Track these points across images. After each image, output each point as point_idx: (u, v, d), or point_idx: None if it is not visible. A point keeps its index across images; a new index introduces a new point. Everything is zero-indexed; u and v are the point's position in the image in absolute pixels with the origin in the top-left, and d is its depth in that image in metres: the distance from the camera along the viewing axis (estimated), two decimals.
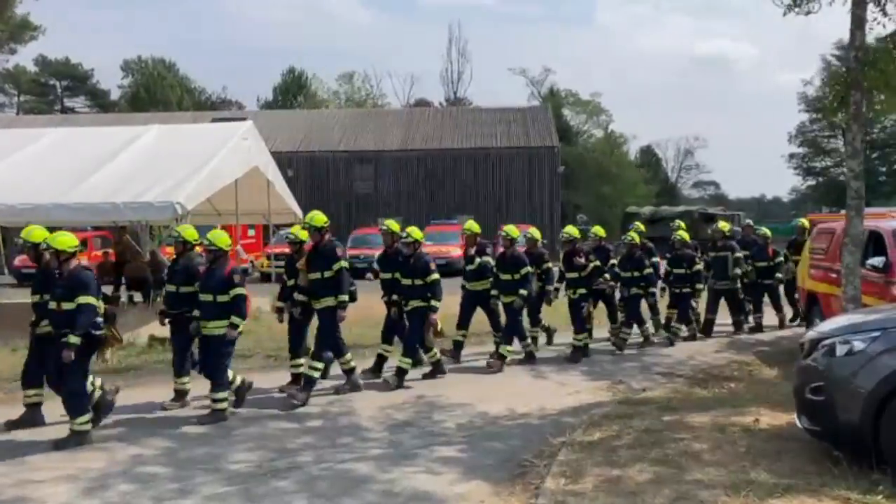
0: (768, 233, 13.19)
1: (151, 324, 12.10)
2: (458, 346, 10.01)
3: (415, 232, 8.92)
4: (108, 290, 16.72)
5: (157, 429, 6.91)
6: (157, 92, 59.03)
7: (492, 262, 10.02)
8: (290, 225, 19.47)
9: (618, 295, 11.39)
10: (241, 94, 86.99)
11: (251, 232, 26.59)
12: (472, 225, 10.20)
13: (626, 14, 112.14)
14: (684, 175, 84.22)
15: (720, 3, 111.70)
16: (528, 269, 9.74)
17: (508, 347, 9.71)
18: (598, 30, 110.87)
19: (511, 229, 9.97)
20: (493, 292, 9.87)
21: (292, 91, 61.34)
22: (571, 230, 10.76)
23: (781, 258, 12.65)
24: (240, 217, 16.43)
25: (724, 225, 13.12)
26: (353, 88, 63.98)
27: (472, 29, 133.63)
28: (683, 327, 11.86)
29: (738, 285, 12.11)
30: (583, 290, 10.42)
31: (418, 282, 8.69)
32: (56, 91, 66.36)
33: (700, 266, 11.82)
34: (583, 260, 9.88)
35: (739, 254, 12.11)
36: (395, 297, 9.11)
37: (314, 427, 7.02)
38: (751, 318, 12.57)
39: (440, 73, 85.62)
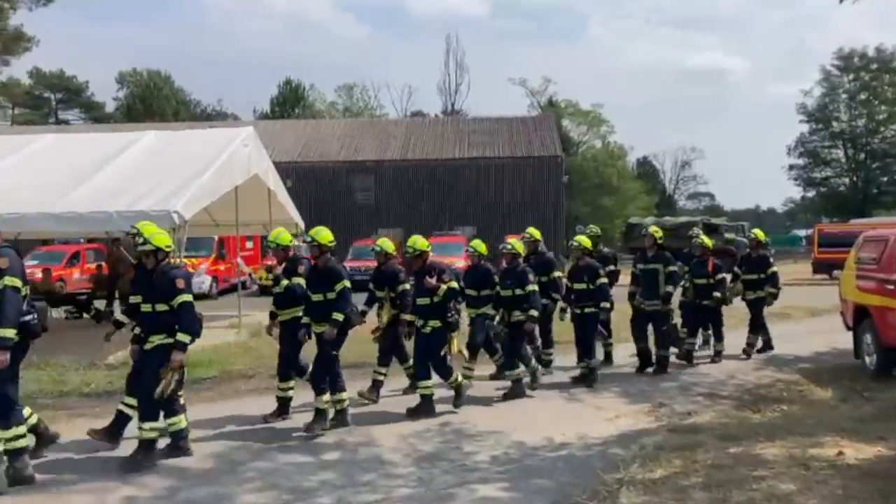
0: (761, 235, 11.66)
1: None
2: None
3: (419, 242, 7.99)
4: (101, 304, 15.98)
5: (154, 463, 6.07)
6: (152, 104, 58.32)
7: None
8: (295, 236, 18.84)
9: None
10: (237, 106, 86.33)
11: (249, 244, 25.80)
12: (479, 245, 8.93)
13: (616, 28, 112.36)
14: (681, 186, 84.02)
15: (708, 16, 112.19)
16: (534, 286, 8.47)
17: (517, 371, 8.54)
18: (589, 43, 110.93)
19: (514, 242, 8.89)
20: (490, 312, 8.69)
21: (290, 103, 60.68)
22: (515, 244, 8.92)
23: (724, 275, 10.72)
24: (239, 228, 15.66)
25: (704, 239, 11.17)
26: (351, 100, 63.42)
27: (467, 42, 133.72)
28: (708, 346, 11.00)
29: (669, 306, 9.91)
30: (593, 307, 9.11)
31: (435, 299, 7.73)
32: (50, 104, 65.57)
33: (724, 275, 10.74)
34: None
35: (674, 267, 9.93)
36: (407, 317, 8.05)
37: (331, 461, 6.22)
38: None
39: (437, 84, 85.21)
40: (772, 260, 11.31)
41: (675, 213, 60.92)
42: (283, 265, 7.80)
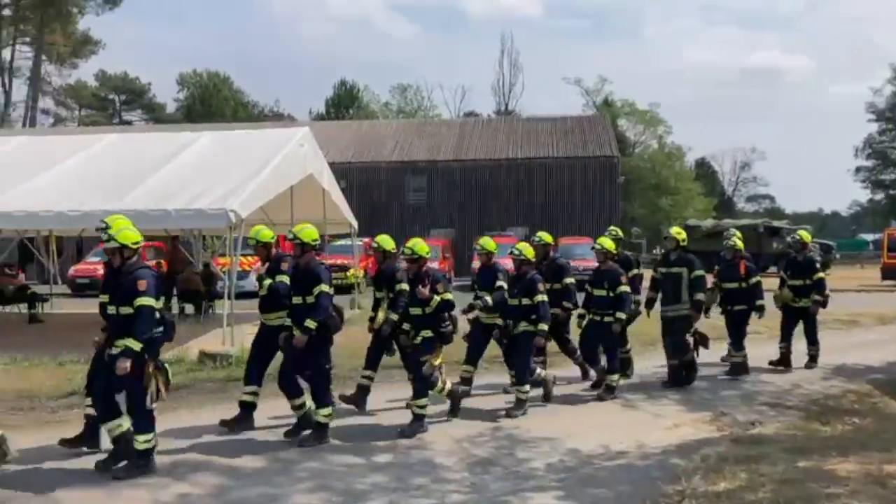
0: (807, 237, 10.79)
1: (202, 338, 11.50)
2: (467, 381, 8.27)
3: (418, 246, 7.31)
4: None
5: (207, 460, 6.08)
6: (211, 104, 59.65)
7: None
8: (346, 235, 18.94)
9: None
10: (293, 107, 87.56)
11: None
12: (488, 242, 8.26)
13: (673, 26, 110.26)
14: (741, 188, 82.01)
15: (768, 14, 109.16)
16: (544, 296, 7.77)
17: (525, 388, 7.77)
18: (645, 42, 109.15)
19: (523, 247, 8.14)
20: (499, 321, 8.00)
21: (344, 103, 61.28)
22: (487, 242, 8.28)
23: (758, 278, 9.86)
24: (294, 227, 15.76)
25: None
26: (405, 100, 63.66)
27: (522, 41, 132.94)
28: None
29: (700, 314, 9.13)
30: (612, 315, 8.45)
31: (427, 309, 7.06)
32: (115, 105, 67.66)
33: (757, 279, 9.84)
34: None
35: (699, 271, 9.06)
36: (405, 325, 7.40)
37: (383, 463, 6.13)
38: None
39: (491, 84, 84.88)
40: (818, 265, 10.60)
41: (734, 216, 59.49)
42: (267, 264, 7.23)
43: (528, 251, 8.06)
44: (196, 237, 17.66)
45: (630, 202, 52.73)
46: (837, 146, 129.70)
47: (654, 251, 56.15)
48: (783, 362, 10.22)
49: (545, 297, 7.77)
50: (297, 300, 6.66)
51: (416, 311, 7.15)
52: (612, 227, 10.13)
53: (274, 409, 7.33)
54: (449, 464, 6.10)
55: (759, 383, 9.36)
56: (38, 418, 7.63)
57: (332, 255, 19.39)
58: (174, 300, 15.55)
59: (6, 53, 53.78)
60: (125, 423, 5.74)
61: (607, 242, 8.83)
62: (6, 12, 51.06)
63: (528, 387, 7.76)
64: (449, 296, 7.13)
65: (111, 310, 5.72)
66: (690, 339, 9.09)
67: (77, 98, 63.02)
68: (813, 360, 10.47)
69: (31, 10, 51.40)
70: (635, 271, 9.62)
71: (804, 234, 10.82)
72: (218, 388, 8.90)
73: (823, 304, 10.40)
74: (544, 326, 7.72)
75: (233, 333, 10.48)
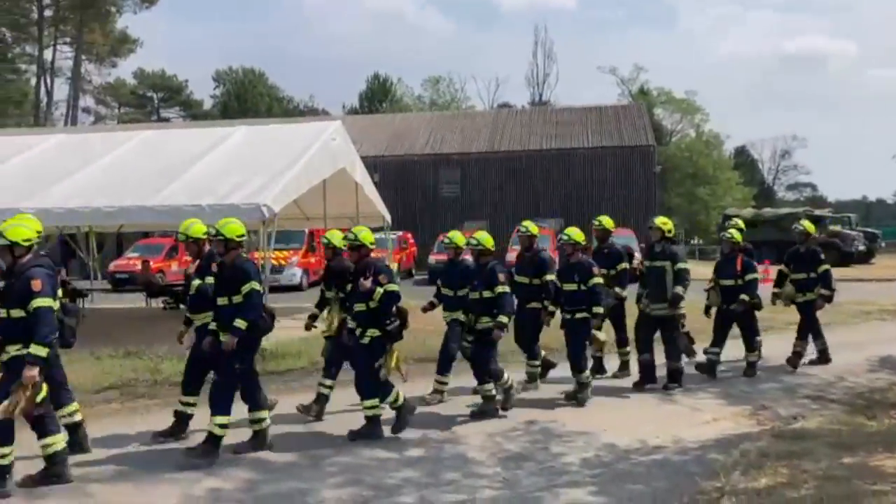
0: (810, 227, 9.86)
1: None
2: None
3: (363, 233, 6.73)
4: None
5: (237, 454, 6.08)
6: (246, 100, 60.25)
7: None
8: (380, 229, 18.95)
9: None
10: (327, 102, 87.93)
11: None
12: (456, 236, 7.86)
13: (711, 13, 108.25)
14: (781, 177, 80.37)
15: None
16: (505, 287, 7.19)
17: (488, 387, 7.28)
18: (682, 31, 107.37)
19: (481, 236, 7.47)
20: (462, 318, 7.50)
21: (377, 97, 61.38)
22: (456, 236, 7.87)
23: (755, 275, 9.00)
24: (327, 221, 15.81)
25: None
26: (437, 93, 63.53)
27: (556, 32, 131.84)
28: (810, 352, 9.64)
29: (678, 310, 8.30)
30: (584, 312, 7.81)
31: (372, 304, 6.48)
32: (153, 102, 68.65)
33: (754, 275, 8.98)
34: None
35: (683, 264, 8.42)
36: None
37: (415, 457, 6.07)
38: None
39: (525, 75, 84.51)
40: (822, 256, 9.67)
41: (775, 205, 58.26)
42: (198, 262, 6.70)
43: (487, 241, 7.45)
44: None
45: (667, 192, 51.90)
46: (881, 132, 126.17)
47: (692, 241, 55.42)
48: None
49: (506, 288, 7.22)
50: (221, 301, 6.11)
51: (360, 307, 6.53)
52: (599, 217, 9.25)
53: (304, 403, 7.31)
54: (481, 458, 6.02)
55: (802, 376, 9.08)
56: None
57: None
58: None
59: (48, 54, 54.99)
60: (60, 441, 5.46)
61: (576, 234, 7.92)
62: (47, 13, 52.07)
63: (489, 385, 7.24)
64: (394, 287, 6.48)
65: (1, 313, 5.26)
66: (684, 339, 8.47)
67: (116, 96, 64.10)
68: (822, 355, 9.67)
69: (70, 11, 52.34)
70: (624, 265, 8.87)
71: (807, 224, 9.96)
72: None
73: (829, 299, 9.53)
74: (503, 319, 7.09)
75: None
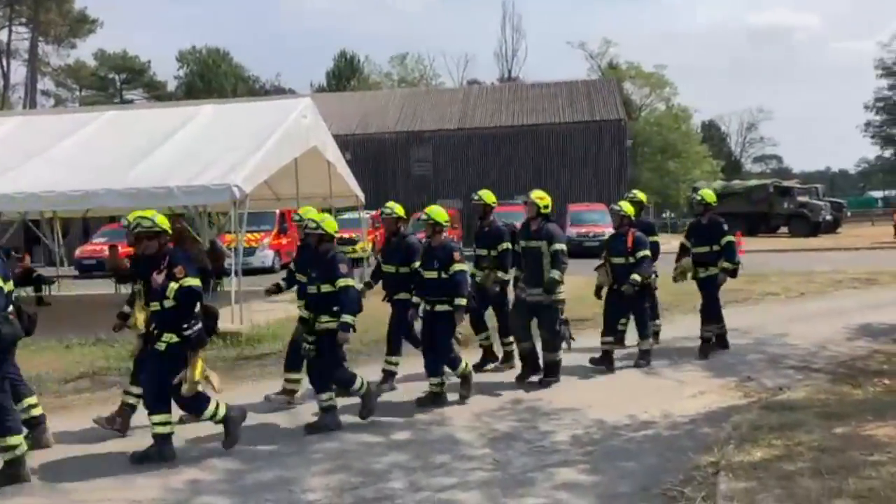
0: (710, 196, 8.84)
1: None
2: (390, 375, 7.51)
3: (159, 217, 5.76)
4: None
5: (219, 444, 5.83)
6: (211, 81, 59.03)
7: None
8: (353, 208, 18.65)
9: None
10: (294, 82, 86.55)
11: None
12: (395, 206, 7.47)
13: None
14: (748, 149, 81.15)
15: None
16: (462, 266, 6.80)
17: (438, 379, 6.86)
18: (649, 4, 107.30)
19: (433, 210, 6.98)
20: (415, 300, 7.01)
21: (345, 75, 60.54)
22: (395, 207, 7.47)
23: (646, 252, 8.01)
24: (300, 201, 15.49)
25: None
26: (406, 70, 62.82)
27: (524, 5, 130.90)
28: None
29: (555, 296, 7.35)
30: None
31: (167, 303, 5.50)
32: (115, 84, 66.95)
33: (645, 252, 8.01)
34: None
35: (560, 245, 7.37)
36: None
37: (402, 441, 5.92)
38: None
39: (494, 51, 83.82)
40: (726, 227, 8.63)
41: (742, 177, 58.81)
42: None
43: (440, 216, 6.91)
44: (201, 214, 17.39)
45: (637, 166, 52.07)
46: (844, 104, 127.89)
47: (663, 216, 55.77)
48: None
49: (463, 266, 6.82)
50: (154, 307, 5.51)
51: (154, 306, 5.55)
52: (481, 191, 8.23)
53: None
54: (470, 439, 5.89)
55: (785, 346, 9.10)
56: (44, 403, 7.38)
57: (340, 229, 19.12)
58: None
59: (2, 35, 53.33)
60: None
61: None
62: None
63: (439, 378, 6.86)
64: (192, 282, 5.41)
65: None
66: (564, 330, 7.52)
67: (77, 78, 62.51)
68: (720, 340, 8.81)
69: None
70: (506, 245, 7.85)
71: (706, 193, 8.93)
72: (229, 368, 8.70)
73: (733, 274, 8.60)
74: (461, 301, 6.67)
75: (241, 311, 10.28)
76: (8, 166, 11.60)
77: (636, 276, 7.86)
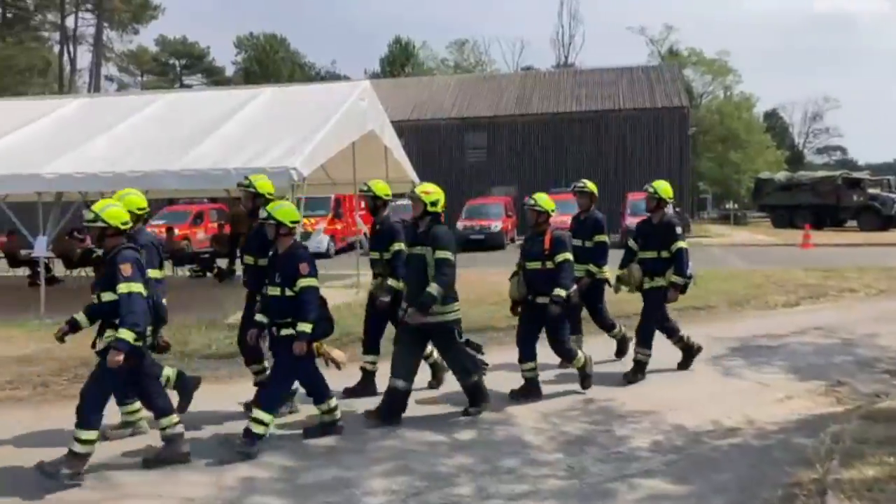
0: (665, 190, 7.19)
1: None
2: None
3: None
4: (223, 263, 16.08)
5: (274, 441, 5.56)
6: (269, 66, 59.55)
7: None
8: (402, 195, 18.33)
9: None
10: (348, 68, 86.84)
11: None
12: (378, 185, 6.74)
13: None
14: (812, 140, 78.30)
15: None
16: (445, 253, 5.80)
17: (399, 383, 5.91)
18: None
19: (426, 189, 6.01)
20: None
21: (399, 61, 60.30)
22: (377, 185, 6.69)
23: (566, 256, 6.37)
24: (356, 186, 15.23)
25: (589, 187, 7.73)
26: (462, 56, 62.26)
27: None
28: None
29: (438, 317, 5.90)
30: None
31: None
32: (175, 69, 68.21)
33: (566, 256, 6.40)
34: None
35: (447, 253, 5.88)
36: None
37: (466, 441, 5.55)
38: None
39: (550, 37, 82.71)
40: (679, 230, 7.10)
41: (804, 168, 56.65)
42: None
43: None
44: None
45: (697, 156, 50.56)
46: None
47: (724, 207, 54.14)
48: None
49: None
50: (107, 296, 4.87)
51: (108, 297, 4.90)
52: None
53: (342, 380, 6.80)
54: (539, 442, 5.48)
55: (875, 348, 8.43)
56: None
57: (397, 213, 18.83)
58: (238, 262, 15.25)
59: (70, 21, 54.59)
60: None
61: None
62: None
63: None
64: (134, 289, 4.78)
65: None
66: (466, 351, 6.08)
67: (139, 64, 63.77)
68: (638, 368, 7.15)
69: None
70: (399, 246, 6.58)
71: (660, 186, 7.26)
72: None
73: (683, 289, 7.10)
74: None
75: None
76: (69, 147, 11.60)
77: (559, 291, 6.29)
